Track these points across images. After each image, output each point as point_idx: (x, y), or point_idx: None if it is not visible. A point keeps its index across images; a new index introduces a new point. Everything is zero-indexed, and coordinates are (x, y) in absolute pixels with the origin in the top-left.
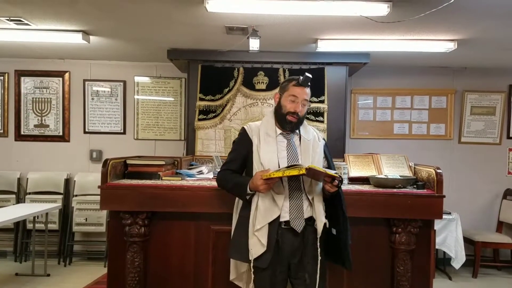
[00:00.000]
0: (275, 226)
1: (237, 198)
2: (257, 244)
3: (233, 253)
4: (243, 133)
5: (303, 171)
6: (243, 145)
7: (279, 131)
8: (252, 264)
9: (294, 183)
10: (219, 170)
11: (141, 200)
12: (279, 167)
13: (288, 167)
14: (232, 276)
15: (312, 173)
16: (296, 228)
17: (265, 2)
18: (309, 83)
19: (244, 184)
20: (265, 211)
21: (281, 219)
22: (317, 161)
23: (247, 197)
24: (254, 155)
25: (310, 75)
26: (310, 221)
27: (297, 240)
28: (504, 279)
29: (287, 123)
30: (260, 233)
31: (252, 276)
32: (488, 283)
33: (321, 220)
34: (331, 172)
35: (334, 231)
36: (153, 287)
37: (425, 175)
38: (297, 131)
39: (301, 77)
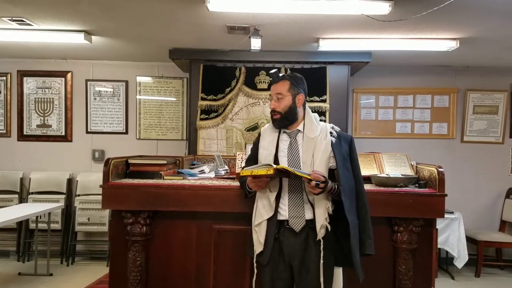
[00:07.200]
0: (273, 224)
1: None
2: (257, 241)
3: (248, 248)
4: (258, 133)
5: (271, 171)
6: (255, 145)
7: (283, 130)
8: (255, 259)
9: (295, 182)
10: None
11: (142, 199)
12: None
13: (260, 166)
14: None
15: (283, 173)
16: (294, 228)
17: (267, 1)
18: (278, 76)
19: (245, 183)
20: (262, 209)
21: (281, 218)
22: (320, 160)
23: (249, 195)
24: (258, 153)
25: (274, 70)
26: (312, 223)
27: (298, 241)
28: (507, 279)
29: (273, 121)
30: (259, 230)
31: (255, 270)
32: (491, 283)
33: (319, 223)
34: (302, 173)
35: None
36: (155, 286)
37: (427, 174)
38: (301, 129)
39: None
